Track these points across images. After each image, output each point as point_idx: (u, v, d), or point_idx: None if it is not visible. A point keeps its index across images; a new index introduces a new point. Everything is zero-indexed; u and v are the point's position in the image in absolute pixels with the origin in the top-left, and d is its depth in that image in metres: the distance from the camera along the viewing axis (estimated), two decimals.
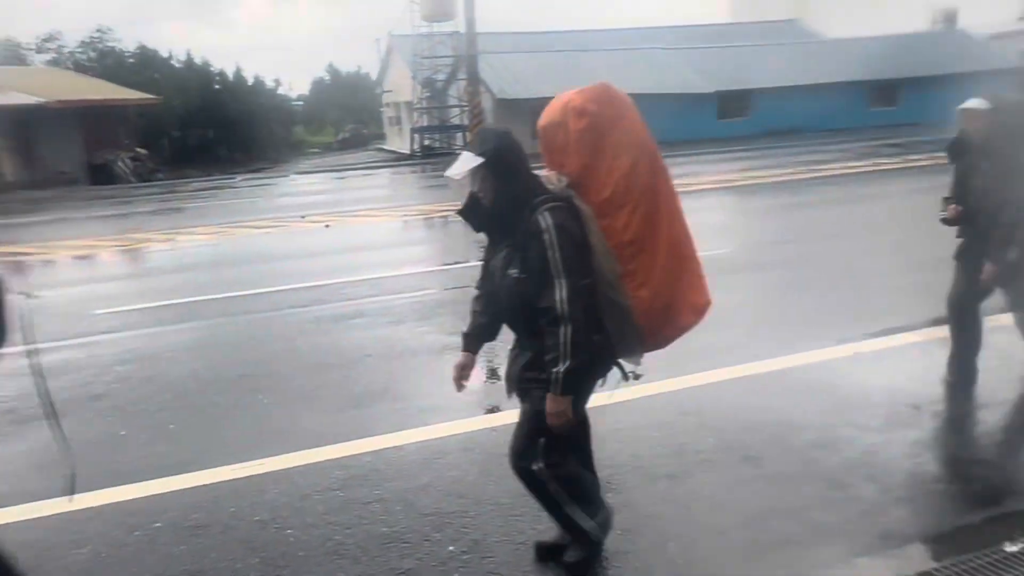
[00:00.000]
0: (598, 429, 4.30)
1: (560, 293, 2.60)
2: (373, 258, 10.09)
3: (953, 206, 4.49)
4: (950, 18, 38.07)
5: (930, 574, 2.95)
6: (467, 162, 2.71)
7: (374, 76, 44.39)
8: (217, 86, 37.87)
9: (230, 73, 39.38)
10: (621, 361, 2.97)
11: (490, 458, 3.99)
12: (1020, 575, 2.90)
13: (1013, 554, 3.02)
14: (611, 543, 3.17)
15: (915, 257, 7.83)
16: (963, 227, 4.52)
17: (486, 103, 26.18)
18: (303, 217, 14.38)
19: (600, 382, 2.94)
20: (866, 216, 11.36)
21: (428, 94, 29.68)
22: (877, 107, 31.08)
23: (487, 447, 4.19)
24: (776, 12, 50.73)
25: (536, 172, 2.79)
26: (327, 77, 61.67)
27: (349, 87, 57.69)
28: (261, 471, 4.09)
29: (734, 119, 29.35)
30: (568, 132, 2.69)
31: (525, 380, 2.84)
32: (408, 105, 32.18)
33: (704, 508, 3.52)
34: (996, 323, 5.72)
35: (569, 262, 2.61)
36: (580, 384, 2.77)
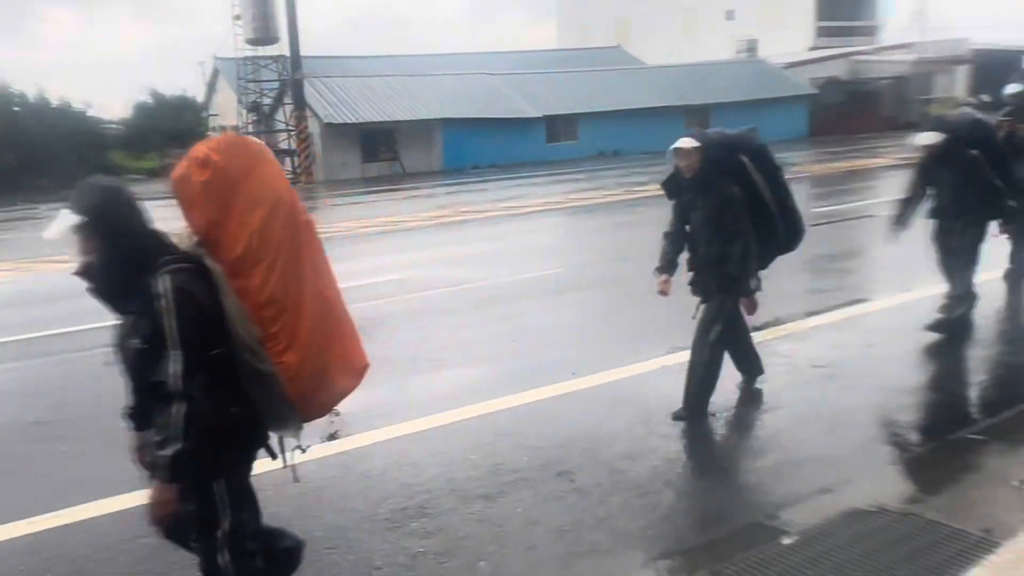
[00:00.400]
0: (415, 456, 4.37)
1: (173, 367, 2.33)
2: None
3: (664, 278, 4.86)
4: (752, 48, 41.17)
5: (720, 572, 3.17)
6: (64, 220, 2.43)
7: (200, 99, 42.72)
8: (16, 108, 35.19)
9: (31, 95, 36.72)
10: (281, 433, 2.72)
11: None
12: (797, 561, 3.17)
13: (789, 546, 3.30)
14: (424, 568, 3.22)
15: None
16: (692, 261, 4.85)
17: (313, 128, 25.82)
18: None
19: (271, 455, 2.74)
20: None
21: (255, 118, 28.89)
22: (692, 129, 32.99)
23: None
24: (600, 40, 53.23)
25: (156, 230, 2.55)
26: (150, 100, 58.69)
27: (173, 111, 55.13)
28: (59, 523, 3.84)
29: (562, 143, 30.36)
30: (192, 185, 2.45)
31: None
32: (235, 129, 31.17)
33: (517, 525, 3.62)
34: (784, 332, 6.25)
35: (185, 331, 2.34)
36: (198, 469, 2.45)
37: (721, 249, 4.56)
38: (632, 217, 14.46)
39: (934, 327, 5.83)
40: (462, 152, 28.01)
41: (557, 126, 30.35)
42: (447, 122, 27.80)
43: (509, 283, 8.94)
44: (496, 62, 35.20)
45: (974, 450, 4.17)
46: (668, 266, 4.87)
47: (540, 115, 29.52)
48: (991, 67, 45.59)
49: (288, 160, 27.86)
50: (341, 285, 2.73)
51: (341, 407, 2.74)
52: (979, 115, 6.37)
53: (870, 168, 20.71)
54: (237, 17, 27.10)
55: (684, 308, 5.18)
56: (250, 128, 28.96)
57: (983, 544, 3.19)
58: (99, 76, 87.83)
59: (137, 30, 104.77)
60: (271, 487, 4.06)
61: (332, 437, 3.42)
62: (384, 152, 27.78)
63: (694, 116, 32.99)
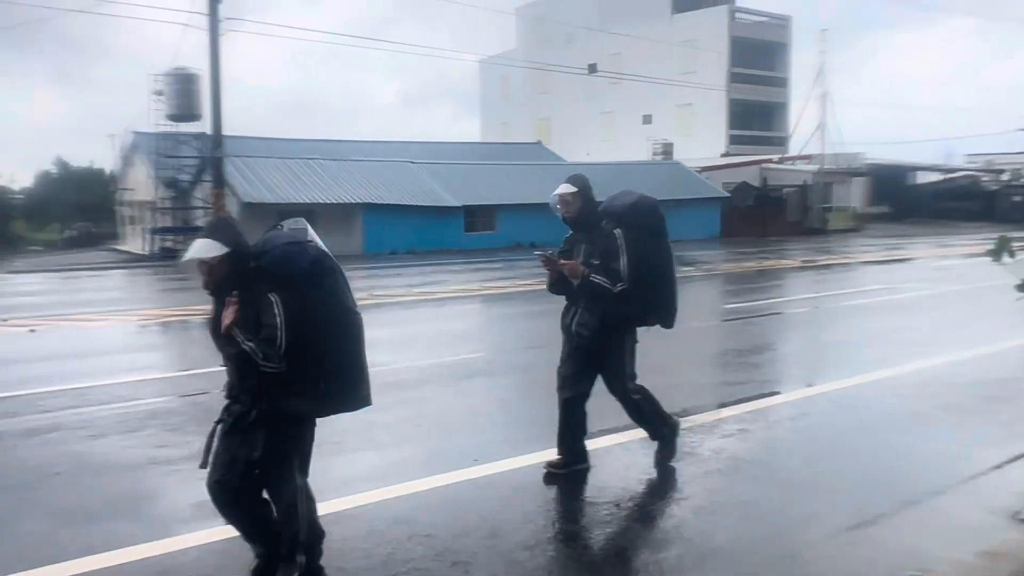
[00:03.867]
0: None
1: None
2: (83, 366, 9.17)
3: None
4: (667, 150, 42.85)
5: None
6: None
7: (108, 171, 41.77)
8: None
9: None
10: None
11: None
12: None
13: None
14: None
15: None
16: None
17: (231, 206, 25.41)
18: (4, 320, 12.87)
19: None
20: None
21: (172, 194, 28.30)
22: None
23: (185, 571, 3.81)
24: (521, 138, 54.72)
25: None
26: (55, 170, 57.16)
27: (80, 182, 53.71)
28: None
29: (480, 232, 30.64)
30: None
31: None
32: (148, 205, 30.45)
33: None
34: (691, 423, 6.22)
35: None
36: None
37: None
38: (547, 306, 14.50)
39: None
40: (382, 237, 27.95)
41: (476, 216, 30.67)
42: (368, 207, 27.80)
43: (418, 367, 8.74)
44: (419, 151, 35.67)
45: (873, 543, 4.15)
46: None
47: (460, 204, 29.82)
48: (884, 180, 48.78)
49: None
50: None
51: None
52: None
53: (778, 268, 21.46)
54: (159, 92, 26.86)
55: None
56: (166, 204, 28.35)
57: None
58: (11, 145, 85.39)
59: (54, 100, 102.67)
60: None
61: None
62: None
63: None
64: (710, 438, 5.93)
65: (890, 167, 49.08)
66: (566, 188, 4.87)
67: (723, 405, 6.91)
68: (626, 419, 5.35)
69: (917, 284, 16.66)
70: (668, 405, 5.38)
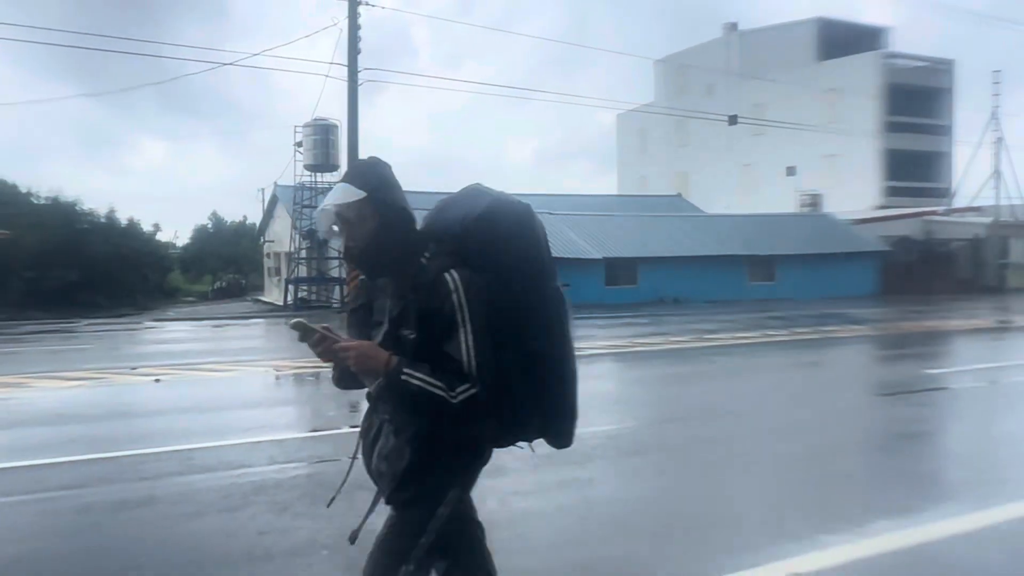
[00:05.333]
0: None
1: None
2: (198, 423, 8.26)
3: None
4: (816, 202, 40.24)
5: None
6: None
7: (256, 225, 43.10)
8: (85, 226, 35.47)
9: (102, 214, 37.14)
10: None
11: None
12: None
13: None
14: None
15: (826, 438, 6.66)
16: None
17: None
18: (133, 369, 12.36)
19: None
20: (785, 386, 10.39)
21: (308, 244, 28.38)
22: (756, 281, 31.63)
23: None
24: (660, 189, 53.23)
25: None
26: (210, 225, 59.96)
27: (231, 236, 56.04)
28: None
29: (621, 286, 29.14)
30: None
31: None
32: (288, 255, 30.75)
33: None
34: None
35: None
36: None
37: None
38: (710, 367, 12.86)
39: None
40: None
41: (617, 269, 29.22)
42: None
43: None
44: (558, 204, 34.69)
45: None
46: None
47: (600, 257, 28.47)
48: None
49: (338, 288, 27.08)
50: None
51: None
52: None
53: (948, 330, 18.83)
54: (299, 144, 27.11)
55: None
56: (303, 254, 28.43)
57: None
58: (176, 203, 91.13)
59: (219, 162, 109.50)
60: None
61: None
62: None
63: (758, 267, 31.74)
64: None
65: None
66: (343, 195, 2.38)
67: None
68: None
69: None
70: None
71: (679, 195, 46.54)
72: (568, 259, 27.82)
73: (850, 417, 8.46)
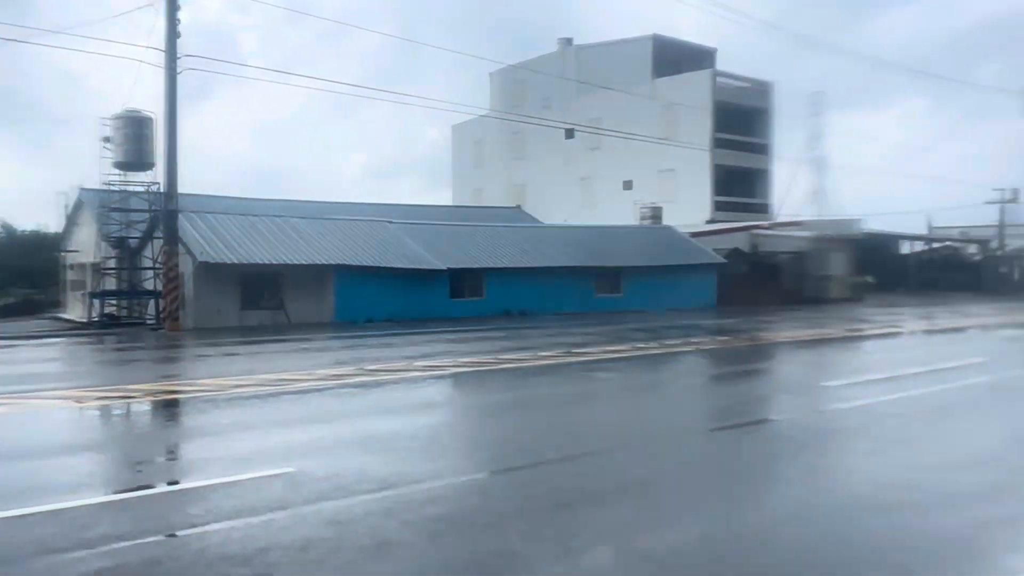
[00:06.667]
0: None
1: None
2: None
3: None
4: (657, 215, 40.71)
5: None
6: None
7: (55, 233, 38.37)
8: None
9: None
10: None
11: None
12: None
13: None
14: None
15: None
16: None
17: (185, 267, 22.26)
18: None
19: None
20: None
21: (118, 254, 25.04)
22: (603, 293, 31.20)
23: None
24: (496, 202, 52.51)
25: None
26: (1, 234, 53.46)
27: (26, 247, 50.08)
28: None
29: (467, 298, 27.73)
30: None
31: None
32: (93, 267, 27.12)
33: None
34: None
35: None
36: None
37: None
38: (590, 386, 11.64)
39: None
40: (356, 303, 24.86)
41: (462, 280, 27.80)
42: (341, 269, 24.77)
43: (466, 486, 5.76)
44: (396, 214, 32.89)
45: None
46: None
47: (445, 268, 26.94)
48: (868, 249, 47.16)
49: (152, 302, 24.00)
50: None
51: None
52: None
53: (827, 338, 18.81)
54: (107, 139, 23.81)
55: None
56: (110, 264, 25.06)
57: None
58: None
59: (11, 166, 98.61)
60: None
61: None
62: (267, 299, 24.33)
63: (604, 279, 31.32)
64: None
65: (876, 236, 47.53)
66: None
67: None
68: None
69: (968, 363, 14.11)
70: None
71: (519, 207, 45.89)
72: (410, 270, 26.16)
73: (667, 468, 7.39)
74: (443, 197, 69.08)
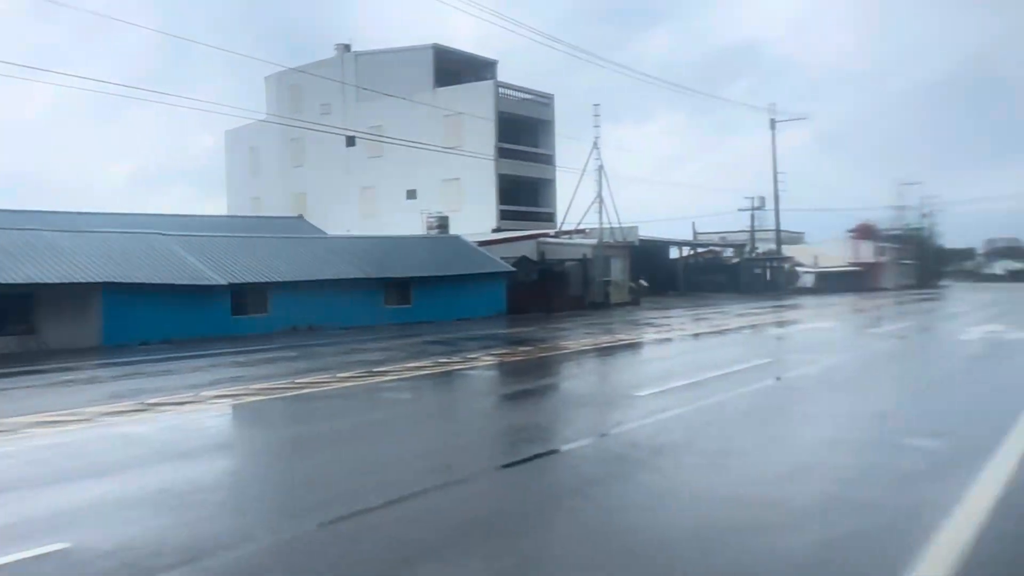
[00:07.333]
0: None
1: None
2: None
3: None
4: (443, 224, 40.56)
5: None
6: None
7: None
8: None
9: None
10: None
11: None
12: None
13: None
14: None
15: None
16: None
17: None
18: None
19: None
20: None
21: None
22: (392, 305, 30.48)
23: None
24: (275, 211, 50.22)
25: None
26: None
27: None
28: None
29: (251, 315, 25.96)
30: None
31: None
32: None
33: None
34: None
35: None
36: None
37: None
38: (399, 411, 10.97)
39: None
40: (127, 324, 22.43)
41: (245, 296, 25.99)
42: (109, 287, 22.26)
43: (289, 546, 4.95)
44: (167, 225, 30.27)
45: None
46: None
47: (226, 283, 25.04)
48: (642, 254, 50.00)
49: None
50: None
51: None
52: None
53: (623, 344, 19.27)
54: None
55: None
56: None
57: None
58: None
59: None
60: None
61: None
62: (16, 323, 21.34)
63: (393, 290, 30.62)
64: None
65: (650, 242, 50.41)
66: None
67: None
68: None
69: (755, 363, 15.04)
70: None
71: (300, 217, 44.09)
72: (188, 287, 24.08)
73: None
74: (218, 207, 65.26)
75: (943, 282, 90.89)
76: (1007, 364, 15.28)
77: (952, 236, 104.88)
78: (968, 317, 28.72)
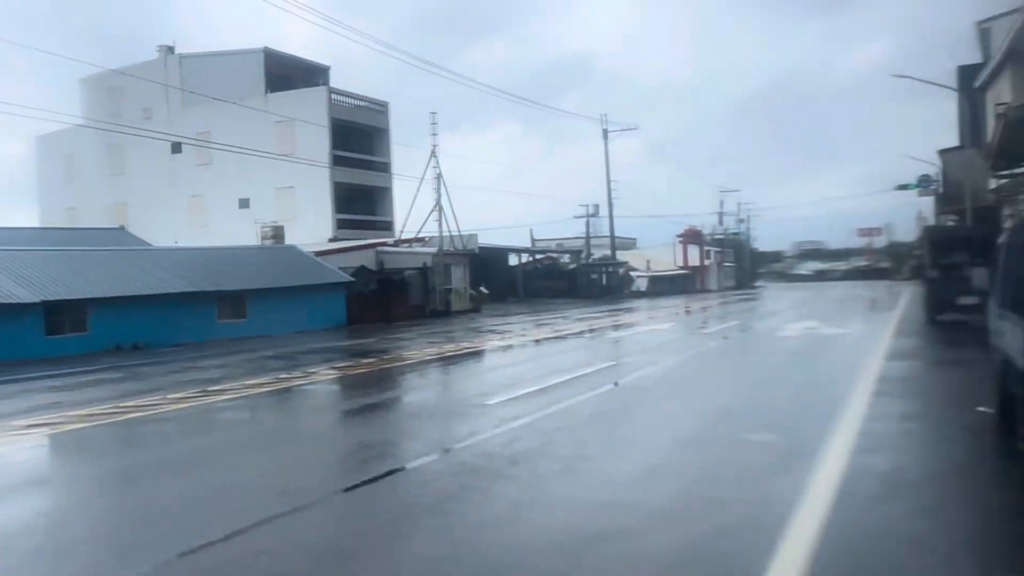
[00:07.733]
0: None
1: None
2: None
3: None
4: (279, 234, 39.16)
5: None
6: None
7: None
8: None
9: None
10: None
11: None
12: None
13: None
14: None
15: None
16: None
17: None
18: None
19: None
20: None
21: None
22: (226, 319, 29.05)
23: None
24: (93, 222, 46.90)
25: None
26: None
27: None
28: None
29: (68, 335, 23.95)
30: None
31: None
32: None
33: None
34: None
35: None
36: None
37: None
38: (238, 433, 10.35)
39: None
40: None
41: (61, 314, 23.95)
42: None
43: None
44: None
45: None
46: None
47: (38, 300, 22.98)
48: (484, 262, 50.42)
49: None
50: None
51: None
52: None
53: (467, 352, 19.15)
54: None
55: None
56: None
57: None
58: None
59: None
60: None
61: None
62: None
63: (227, 304, 29.21)
64: None
65: (489, 250, 50.85)
66: None
67: None
68: None
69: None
70: None
71: (122, 228, 41.33)
72: None
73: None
74: (28, 218, 60.10)
75: (759, 283, 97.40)
76: (825, 357, 16.40)
77: (765, 240, 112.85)
78: (787, 315, 30.74)
